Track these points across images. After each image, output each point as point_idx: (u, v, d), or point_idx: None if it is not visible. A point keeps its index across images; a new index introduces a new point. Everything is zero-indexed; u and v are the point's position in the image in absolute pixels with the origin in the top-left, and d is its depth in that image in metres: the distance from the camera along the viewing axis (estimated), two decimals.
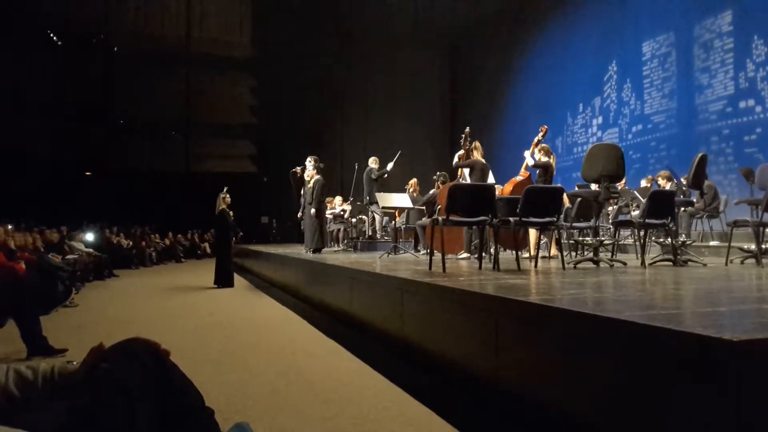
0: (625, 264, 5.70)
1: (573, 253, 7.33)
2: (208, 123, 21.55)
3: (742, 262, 5.91)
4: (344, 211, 12.04)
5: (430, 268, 5.19)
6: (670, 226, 5.82)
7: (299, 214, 10.21)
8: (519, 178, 7.60)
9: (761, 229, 5.54)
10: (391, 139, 20.58)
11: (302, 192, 10.03)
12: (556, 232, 6.39)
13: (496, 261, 5.22)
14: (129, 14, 20.65)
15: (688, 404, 1.72)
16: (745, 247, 6.15)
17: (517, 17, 17.72)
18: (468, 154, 7.80)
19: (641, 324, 1.96)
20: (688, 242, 6.88)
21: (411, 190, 10.62)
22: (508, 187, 7.62)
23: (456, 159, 7.90)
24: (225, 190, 9.25)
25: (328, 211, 11.21)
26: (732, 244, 5.82)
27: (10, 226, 8.99)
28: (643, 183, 10.15)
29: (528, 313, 2.60)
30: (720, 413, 1.61)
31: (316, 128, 20.84)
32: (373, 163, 10.37)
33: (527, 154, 7.43)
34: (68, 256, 9.15)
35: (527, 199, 5.10)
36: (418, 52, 21.68)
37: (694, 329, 1.78)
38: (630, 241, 8.65)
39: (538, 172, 7.22)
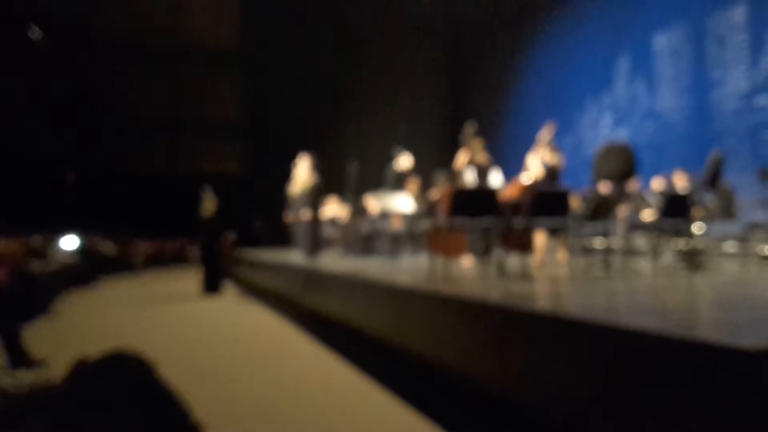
0: (636, 269, 5.70)
1: (582, 257, 7.32)
2: (196, 121, 21.52)
3: (759, 266, 5.91)
4: (341, 214, 12.01)
5: (431, 273, 5.19)
6: (685, 228, 5.82)
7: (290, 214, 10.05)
8: (523, 182, 7.56)
9: None
10: (390, 136, 20.54)
11: (292, 192, 9.91)
12: (563, 235, 6.39)
13: (501, 266, 5.22)
14: (111, 7, 20.61)
15: (702, 415, 1.72)
16: (765, 249, 6.15)
17: (521, 10, 17.74)
18: (470, 152, 7.78)
19: (654, 333, 1.96)
20: (702, 245, 6.87)
21: (412, 191, 10.56)
22: (512, 190, 7.59)
23: (457, 158, 7.89)
24: (208, 190, 9.21)
25: (323, 214, 11.16)
26: (749, 247, 5.83)
27: None
28: (655, 183, 10.14)
29: (533, 322, 2.60)
30: (736, 423, 1.61)
31: (311, 126, 20.81)
32: (401, 160, 9.93)
33: (530, 164, 7.39)
34: (50, 263, 9.14)
35: (534, 201, 5.10)
36: (418, 45, 21.68)
37: (710, 337, 1.78)
38: (642, 244, 8.63)
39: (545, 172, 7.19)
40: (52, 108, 19.28)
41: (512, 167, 11.12)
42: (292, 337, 5.26)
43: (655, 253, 5.81)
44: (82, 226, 15.14)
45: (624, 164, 5.45)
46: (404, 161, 9.90)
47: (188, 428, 1.57)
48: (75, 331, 5.70)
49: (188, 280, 11.77)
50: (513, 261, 6.02)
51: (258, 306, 7.75)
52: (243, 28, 21.88)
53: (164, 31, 21.33)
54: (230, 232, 9.12)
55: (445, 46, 22.30)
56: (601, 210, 6.26)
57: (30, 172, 18.14)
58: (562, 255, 7.26)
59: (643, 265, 6.38)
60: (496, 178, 7.80)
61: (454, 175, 9.06)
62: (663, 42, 12.91)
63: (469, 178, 7.76)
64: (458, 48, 22.06)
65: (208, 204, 9.06)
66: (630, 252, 7.56)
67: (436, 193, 9.11)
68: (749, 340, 1.71)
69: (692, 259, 5.74)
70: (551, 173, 7.11)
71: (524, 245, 6.19)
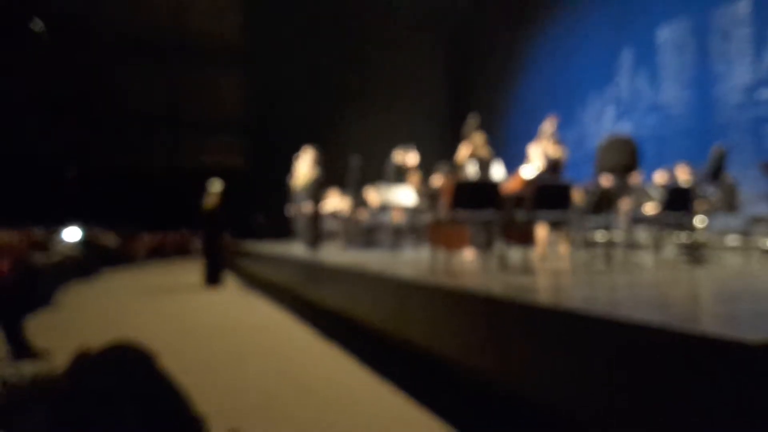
0: (638, 262, 5.69)
1: (584, 251, 7.32)
2: (197, 116, 21.51)
3: (761, 260, 5.90)
4: (342, 207, 12.00)
5: (433, 266, 5.19)
6: (687, 222, 5.81)
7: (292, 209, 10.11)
8: (524, 175, 7.54)
9: None
10: (392, 130, 20.52)
11: (294, 186, 9.93)
12: (565, 228, 6.38)
13: (502, 259, 5.21)
14: (112, 4, 20.56)
15: (703, 409, 1.72)
16: (767, 242, 6.15)
17: (522, 3, 17.68)
18: (472, 146, 7.77)
19: (655, 326, 1.96)
20: (704, 239, 6.87)
21: (414, 184, 10.54)
22: (514, 183, 7.58)
23: (459, 152, 7.88)
24: (215, 183, 9.22)
25: (324, 207, 11.16)
26: (751, 240, 5.82)
27: None
28: (658, 176, 10.12)
29: (535, 315, 2.60)
30: (737, 417, 1.61)
31: (313, 121, 20.78)
32: (398, 156, 9.97)
33: (532, 158, 7.34)
34: (52, 255, 9.16)
35: (536, 194, 5.09)
36: (419, 39, 21.60)
37: (711, 331, 1.78)
38: (644, 237, 8.63)
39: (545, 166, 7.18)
40: (53, 105, 19.28)
41: (514, 160, 11.11)
42: (293, 330, 5.28)
43: (657, 246, 5.81)
44: (85, 219, 15.17)
45: (627, 157, 5.44)
46: (409, 158, 9.91)
47: (189, 420, 1.58)
48: (77, 323, 5.71)
49: (190, 272, 11.80)
50: (515, 254, 6.02)
51: (259, 298, 7.76)
52: (244, 24, 21.84)
53: (165, 28, 21.29)
54: (231, 227, 9.12)
55: (448, 38, 22.21)
56: (603, 203, 6.26)
57: (32, 167, 18.16)
58: (563, 248, 7.26)
59: (645, 258, 6.38)
60: (498, 172, 7.79)
61: (455, 169, 9.06)
62: (666, 35, 12.86)
63: (471, 171, 7.75)
64: (461, 40, 21.98)
65: (213, 197, 9.07)
66: (632, 245, 7.56)
67: (438, 180, 9.09)
68: (751, 333, 1.70)
69: (694, 253, 5.74)
70: (554, 166, 7.09)
71: (526, 238, 6.19)
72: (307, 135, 19.46)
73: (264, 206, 20.00)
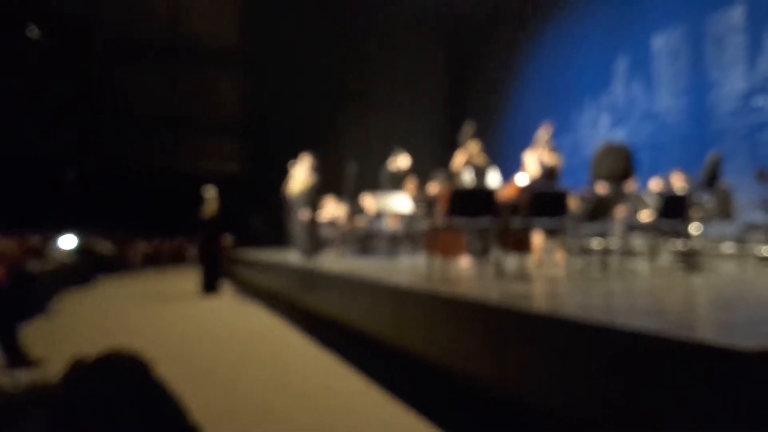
0: (634, 269, 5.70)
1: (579, 258, 7.32)
2: (195, 120, 21.50)
3: (756, 267, 5.91)
4: (339, 214, 11.99)
5: (429, 273, 5.19)
6: (682, 229, 5.83)
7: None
8: (518, 183, 7.54)
9: None
10: (390, 133, 20.51)
11: (290, 192, 9.89)
12: (561, 235, 6.39)
13: (498, 266, 5.22)
14: (111, 5, 20.58)
15: (699, 416, 1.72)
16: (763, 249, 6.16)
17: (520, 10, 17.75)
18: (468, 153, 7.78)
19: (651, 333, 1.96)
20: (700, 246, 6.88)
21: (410, 191, 10.54)
22: (510, 190, 7.58)
23: (455, 159, 7.89)
24: (209, 189, 9.21)
25: (321, 214, 11.15)
26: (746, 247, 5.84)
27: None
28: (653, 184, 10.15)
29: (531, 322, 2.60)
30: (733, 424, 1.61)
31: (311, 126, 20.78)
32: (397, 160, 9.94)
33: (527, 165, 7.33)
34: (48, 262, 9.13)
35: (532, 201, 5.10)
36: (417, 45, 21.66)
37: (707, 338, 1.78)
38: (640, 245, 8.64)
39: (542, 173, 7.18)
40: (51, 107, 19.26)
41: (510, 167, 11.12)
42: (290, 337, 5.26)
43: (653, 253, 5.82)
44: (81, 226, 15.11)
45: (622, 165, 5.46)
46: (401, 161, 9.89)
47: (186, 428, 1.57)
48: (72, 331, 5.69)
49: (186, 279, 11.76)
50: (511, 261, 6.02)
51: (256, 306, 7.74)
52: (243, 26, 21.87)
53: (164, 29, 21.31)
54: (228, 233, 9.10)
55: (445, 46, 22.26)
56: (598, 210, 6.27)
57: (29, 171, 18.11)
58: (559, 255, 7.26)
59: (641, 265, 6.39)
60: (493, 179, 7.80)
61: (451, 176, 9.06)
62: (661, 43, 12.93)
63: (467, 178, 7.76)
64: (457, 48, 22.04)
65: (211, 204, 9.05)
66: (627, 253, 7.57)
67: (434, 188, 9.10)
68: (746, 340, 1.71)
69: (690, 260, 5.75)
70: (550, 174, 7.10)
71: (522, 245, 6.20)
72: (305, 137, 19.45)
73: (262, 209, 19.95)
